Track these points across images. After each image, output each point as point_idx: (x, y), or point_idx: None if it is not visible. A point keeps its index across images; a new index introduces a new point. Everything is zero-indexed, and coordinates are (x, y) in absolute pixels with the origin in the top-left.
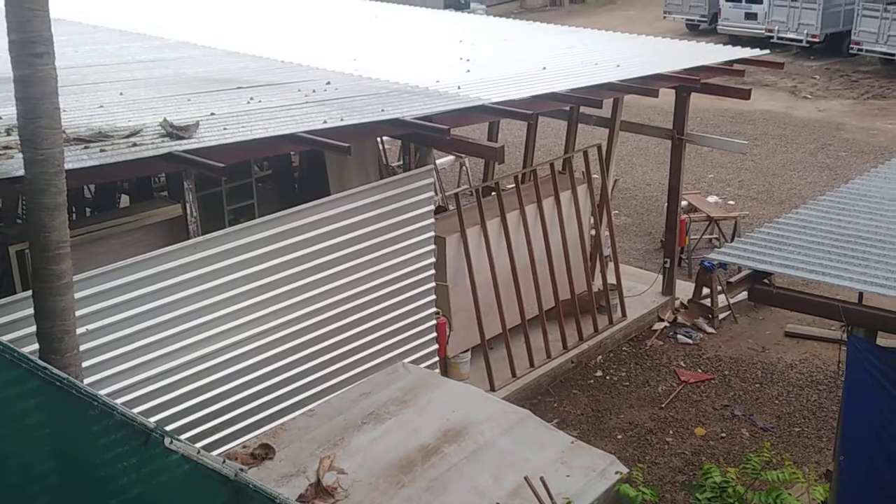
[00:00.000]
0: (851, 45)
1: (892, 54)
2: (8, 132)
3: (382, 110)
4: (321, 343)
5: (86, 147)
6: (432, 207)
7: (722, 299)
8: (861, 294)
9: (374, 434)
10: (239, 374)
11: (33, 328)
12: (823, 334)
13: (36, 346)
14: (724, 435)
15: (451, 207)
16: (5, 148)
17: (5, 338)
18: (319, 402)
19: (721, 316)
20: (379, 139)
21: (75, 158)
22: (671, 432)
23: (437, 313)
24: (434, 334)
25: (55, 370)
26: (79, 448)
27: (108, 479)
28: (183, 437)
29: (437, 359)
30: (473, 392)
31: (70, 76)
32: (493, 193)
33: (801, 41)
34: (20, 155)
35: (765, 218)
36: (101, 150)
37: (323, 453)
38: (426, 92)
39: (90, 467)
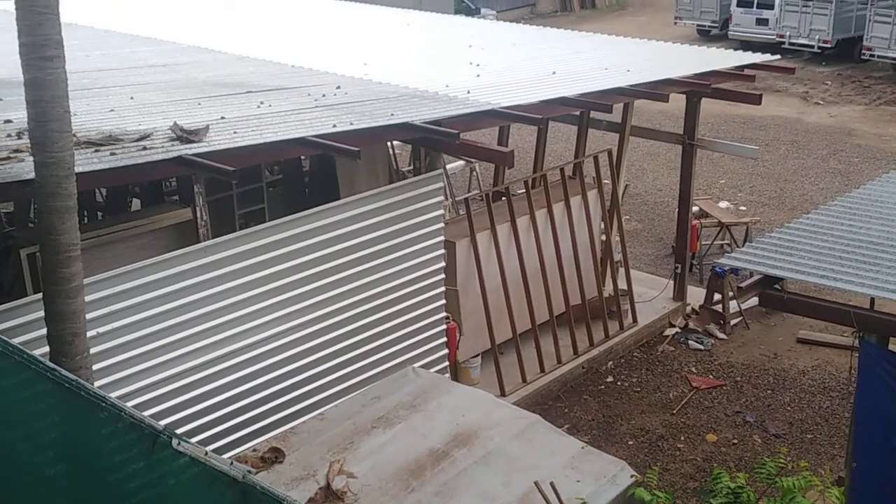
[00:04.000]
0: (863, 51)
1: None
2: (19, 135)
3: (392, 114)
4: (331, 347)
5: (96, 150)
6: (442, 212)
7: (733, 305)
8: (873, 300)
9: (384, 438)
10: (249, 378)
11: (44, 331)
12: (836, 340)
13: (46, 348)
14: (735, 441)
15: (461, 212)
16: (16, 151)
17: (16, 340)
18: (329, 405)
19: (733, 322)
20: (389, 144)
21: (86, 162)
22: (682, 438)
23: (447, 318)
24: (444, 339)
25: (65, 372)
26: (88, 450)
27: (118, 482)
28: (193, 440)
29: (447, 363)
30: (483, 397)
31: (81, 80)
32: (504, 198)
33: (812, 47)
34: (31, 158)
35: (776, 223)
36: (112, 154)
37: (333, 457)
38: (436, 96)
39: (100, 469)
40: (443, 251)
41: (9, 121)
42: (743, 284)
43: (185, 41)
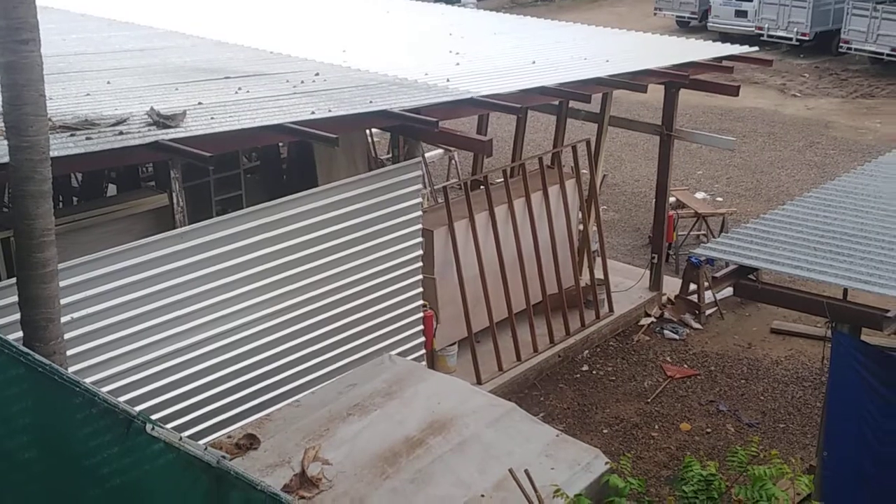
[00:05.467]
0: (841, 44)
1: (882, 53)
2: None
3: (371, 102)
4: (307, 334)
5: (72, 135)
6: (420, 200)
7: (709, 295)
8: (846, 290)
9: (360, 425)
10: (225, 364)
11: (18, 316)
12: (809, 331)
13: (20, 333)
14: (709, 430)
15: (439, 200)
16: None
17: None
18: (305, 392)
19: (707, 312)
20: (368, 131)
21: (61, 146)
22: (657, 427)
23: (424, 306)
24: (421, 327)
25: (39, 357)
26: (63, 436)
27: (92, 467)
28: (169, 426)
29: (423, 351)
30: (459, 385)
31: (57, 64)
32: (482, 187)
33: (790, 39)
34: (5, 142)
35: (752, 214)
36: (88, 139)
37: (308, 444)
38: (415, 84)
39: (74, 455)
40: (421, 239)
41: None
42: (718, 275)
43: (162, 26)
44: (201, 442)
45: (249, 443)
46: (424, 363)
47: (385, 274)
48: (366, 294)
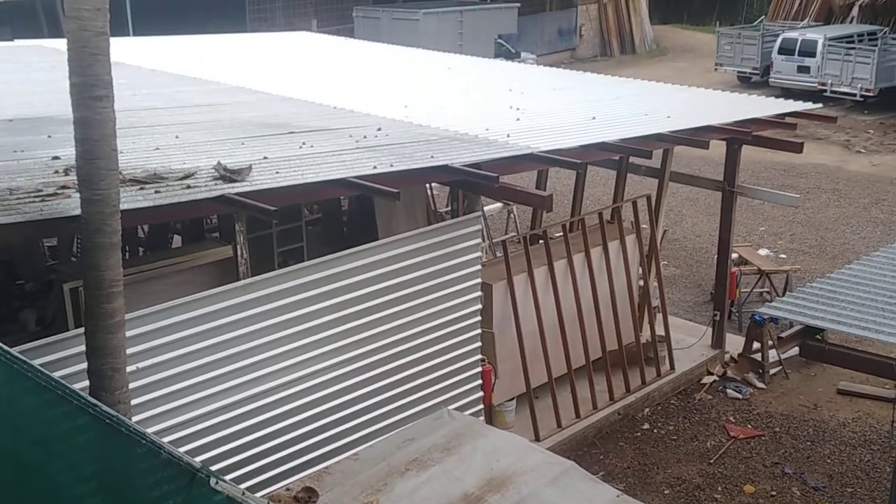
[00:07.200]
0: None
1: None
2: (66, 172)
3: (432, 157)
4: (367, 387)
5: (141, 188)
6: (480, 254)
7: (773, 354)
8: None
9: (418, 481)
10: (284, 416)
11: (84, 365)
12: (877, 392)
13: (87, 382)
14: (774, 493)
15: (498, 254)
16: (63, 187)
17: (57, 374)
18: (364, 446)
19: (772, 371)
20: (427, 185)
21: (130, 199)
22: (720, 489)
23: (482, 360)
24: (479, 381)
25: (105, 407)
26: (126, 485)
27: None
28: (228, 476)
29: (481, 406)
30: (518, 441)
31: (127, 118)
32: (541, 241)
33: (854, 95)
34: (77, 194)
35: (817, 272)
36: (156, 192)
37: (366, 498)
38: (475, 139)
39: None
40: (479, 293)
41: (57, 157)
42: (784, 335)
43: (229, 82)
44: (260, 494)
45: (308, 496)
46: (483, 418)
47: (444, 328)
48: (424, 347)
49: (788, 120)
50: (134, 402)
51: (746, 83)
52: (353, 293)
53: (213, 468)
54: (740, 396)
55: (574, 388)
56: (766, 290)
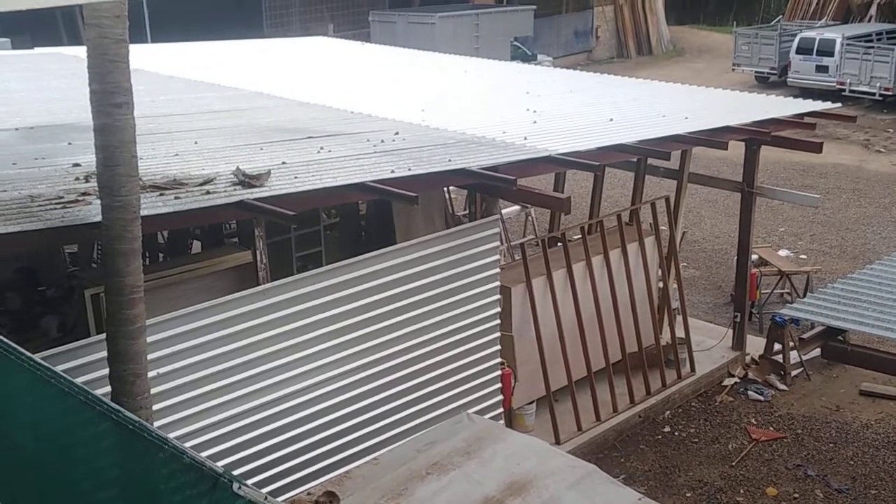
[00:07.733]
0: None
1: None
2: (87, 178)
3: (449, 160)
4: (386, 391)
5: (161, 194)
6: (498, 257)
7: (794, 355)
8: None
9: (438, 485)
10: (305, 421)
11: (106, 371)
12: None
13: (108, 388)
14: (797, 496)
15: (517, 257)
16: (84, 194)
17: (79, 380)
18: (384, 450)
19: (793, 373)
20: (445, 189)
21: (151, 205)
22: (742, 491)
23: (502, 364)
24: (499, 385)
25: (127, 413)
26: (148, 490)
27: None
28: (249, 481)
29: (501, 410)
30: (538, 445)
31: (147, 125)
32: (559, 244)
33: (873, 94)
34: (98, 201)
35: (838, 273)
36: (176, 198)
37: (387, 503)
38: (493, 142)
39: None
40: (498, 296)
41: (77, 164)
42: (805, 336)
43: (247, 87)
44: (281, 498)
45: (329, 500)
46: (502, 422)
47: (463, 331)
48: (444, 351)
49: (807, 120)
50: (155, 407)
51: (764, 83)
52: (372, 297)
53: (235, 473)
54: (762, 398)
55: (594, 391)
56: (786, 291)
